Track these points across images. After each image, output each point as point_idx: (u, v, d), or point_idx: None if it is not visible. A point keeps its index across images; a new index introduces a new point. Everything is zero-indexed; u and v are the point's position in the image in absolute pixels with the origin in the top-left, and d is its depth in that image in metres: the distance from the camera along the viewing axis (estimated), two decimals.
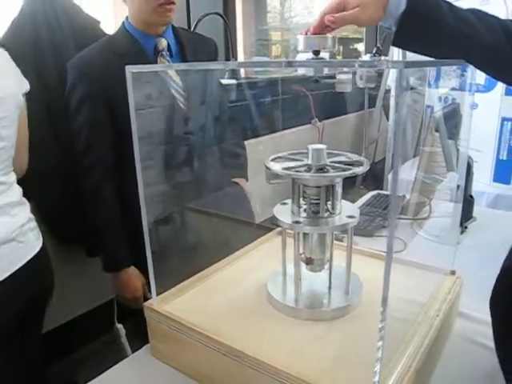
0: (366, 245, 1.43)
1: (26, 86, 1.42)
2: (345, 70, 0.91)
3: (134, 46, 1.59)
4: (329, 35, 0.95)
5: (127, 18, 1.61)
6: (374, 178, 3.17)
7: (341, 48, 4.98)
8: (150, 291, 1.11)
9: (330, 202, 1.04)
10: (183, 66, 1.59)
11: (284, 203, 1.12)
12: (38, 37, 1.69)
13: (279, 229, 1.42)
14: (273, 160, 1.10)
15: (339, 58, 4.75)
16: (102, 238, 1.65)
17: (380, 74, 3.57)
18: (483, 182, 2.57)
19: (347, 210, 1.07)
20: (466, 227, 1.80)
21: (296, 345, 0.94)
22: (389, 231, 0.71)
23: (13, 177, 1.34)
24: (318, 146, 1.05)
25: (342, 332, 0.98)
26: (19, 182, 1.38)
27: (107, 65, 1.50)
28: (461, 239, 1.72)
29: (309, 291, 1.12)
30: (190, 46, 1.70)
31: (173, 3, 1.53)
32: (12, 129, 1.32)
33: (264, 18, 4.65)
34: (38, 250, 1.37)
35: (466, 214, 1.78)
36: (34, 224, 1.39)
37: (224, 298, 1.13)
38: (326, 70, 0.96)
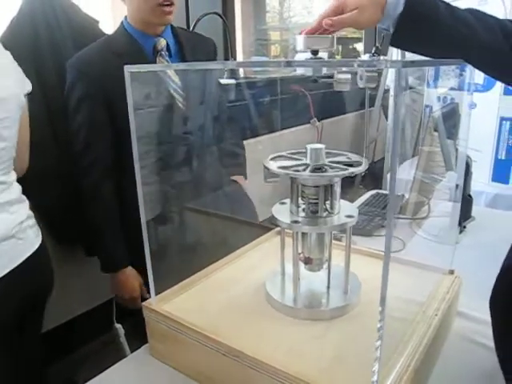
0: (364, 244, 1.43)
1: (28, 86, 1.42)
2: (344, 69, 0.91)
3: (132, 45, 1.59)
4: (328, 35, 0.95)
5: (126, 17, 1.61)
6: (373, 177, 3.17)
7: (340, 48, 4.98)
8: (148, 291, 1.11)
9: (328, 202, 1.04)
10: (182, 65, 1.59)
11: (283, 203, 1.12)
12: (36, 36, 1.69)
13: (278, 228, 1.42)
14: (271, 159, 1.10)
15: (338, 57, 4.76)
16: (100, 238, 1.65)
17: (380, 74, 3.57)
18: (482, 182, 2.57)
19: (346, 210, 1.07)
20: (464, 227, 1.80)
21: (295, 344, 0.94)
22: (387, 230, 0.71)
23: (13, 176, 1.35)
24: (317, 145, 1.05)
25: (340, 331, 0.99)
26: (18, 180, 1.38)
27: (106, 64, 1.50)
28: (459, 239, 1.72)
29: (307, 291, 1.12)
30: (189, 46, 1.70)
31: (172, 4, 1.53)
32: (13, 129, 1.32)
33: (263, 17, 4.65)
34: (37, 246, 1.37)
35: (465, 214, 1.78)
36: (33, 221, 1.39)
37: (223, 297, 1.13)
38: (324, 70, 0.96)
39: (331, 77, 0.89)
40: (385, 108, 3.82)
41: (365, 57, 3.66)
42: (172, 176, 1.63)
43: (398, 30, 0.90)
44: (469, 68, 1.05)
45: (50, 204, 1.71)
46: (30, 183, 1.43)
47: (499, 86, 2.44)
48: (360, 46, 4.92)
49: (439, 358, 1.07)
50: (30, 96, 1.43)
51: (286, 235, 1.15)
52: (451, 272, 1.20)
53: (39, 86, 1.63)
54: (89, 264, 1.91)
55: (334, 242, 1.16)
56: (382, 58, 3.08)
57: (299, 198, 1.06)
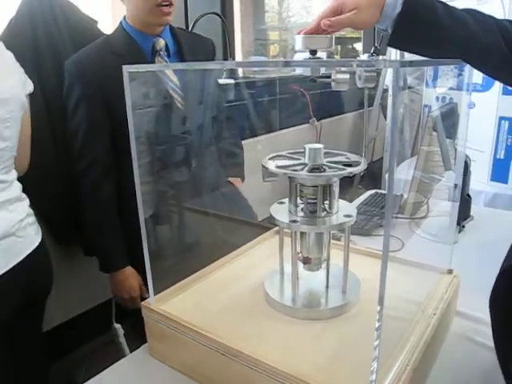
0: (363, 244, 1.43)
1: (29, 86, 1.43)
2: (342, 69, 0.91)
3: (131, 45, 1.59)
4: (326, 35, 0.95)
5: (125, 17, 1.61)
6: (372, 177, 3.18)
7: (339, 47, 4.98)
8: (147, 291, 1.11)
9: (327, 202, 1.04)
10: (181, 65, 1.59)
11: (281, 202, 1.13)
12: (35, 37, 1.69)
13: (276, 228, 1.42)
14: (270, 159, 1.10)
15: (337, 57, 4.76)
16: (98, 238, 1.65)
17: (379, 74, 3.57)
18: (481, 181, 2.57)
19: (344, 209, 1.07)
20: (463, 226, 1.80)
21: (293, 344, 0.94)
22: (385, 230, 0.71)
23: (13, 175, 1.36)
24: (315, 145, 1.05)
25: (339, 331, 0.99)
26: (18, 180, 1.38)
27: (104, 64, 1.50)
28: (458, 238, 1.72)
29: (306, 290, 1.12)
30: (188, 46, 1.70)
31: (171, 4, 1.53)
32: (15, 129, 1.33)
33: (262, 17, 4.65)
34: (37, 244, 1.38)
35: (464, 213, 1.78)
36: (33, 219, 1.40)
37: (221, 297, 1.13)
38: (323, 70, 0.96)
39: (329, 77, 0.89)
40: (384, 108, 3.82)
41: (364, 56, 3.67)
42: (170, 176, 1.64)
43: (396, 30, 0.90)
44: (468, 68, 1.05)
45: (48, 204, 1.71)
46: (28, 183, 1.43)
47: (498, 85, 2.44)
48: (359, 46, 4.93)
49: (438, 358, 1.07)
50: (29, 96, 1.43)
51: (284, 235, 1.15)
52: (450, 271, 1.20)
53: (38, 86, 1.63)
54: (87, 264, 1.91)
55: (332, 241, 1.16)
56: (380, 57, 3.08)
57: (298, 198, 1.06)
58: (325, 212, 1.05)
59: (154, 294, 1.09)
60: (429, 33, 0.90)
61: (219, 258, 1.31)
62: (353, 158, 1.10)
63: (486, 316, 0.91)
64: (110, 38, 1.62)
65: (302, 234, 1.08)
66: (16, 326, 1.34)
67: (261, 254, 1.38)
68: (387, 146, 3.39)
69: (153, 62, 1.61)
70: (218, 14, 2.37)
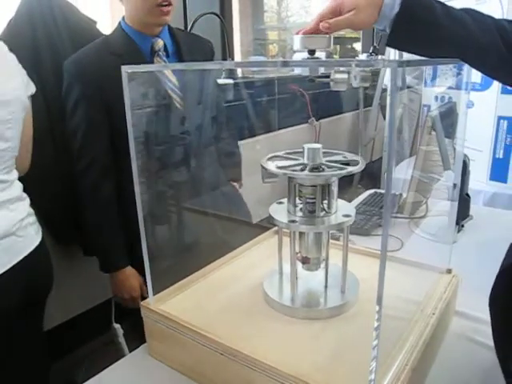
0: (362, 244, 1.43)
1: (31, 88, 1.44)
2: (341, 69, 0.91)
3: (130, 46, 1.59)
4: (325, 35, 0.95)
5: (124, 18, 1.61)
6: (372, 176, 3.18)
7: (338, 47, 4.99)
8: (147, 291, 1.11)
9: (325, 201, 1.04)
10: (180, 65, 1.59)
11: (280, 202, 1.13)
12: (34, 37, 1.69)
13: (275, 228, 1.42)
14: (269, 159, 1.10)
15: (336, 57, 4.76)
16: (98, 238, 1.65)
17: (375, 73, 3.58)
18: (480, 181, 2.58)
19: (343, 209, 1.07)
20: (462, 226, 1.80)
21: (292, 343, 0.95)
22: (383, 229, 0.71)
23: (14, 175, 1.37)
24: (314, 145, 1.05)
25: (338, 331, 0.99)
26: (18, 180, 1.39)
27: (103, 65, 1.50)
28: (457, 238, 1.72)
29: (305, 290, 1.12)
30: (186, 47, 1.70)
31: (170, 4, 1.53)
32: (16, 130, 1.34)
33: (261, 17, 4.65)
34: (37, 243, 1.38)
35: (463, 213, 1.78)
36: (33, 218, 1.41)
37: (220, 297, 1.13)
38: (322, 70, 0.96)
39: (328, 76, 0.89)
40: (383, 107, 3.82)
41: (362, 56, 3.67)
42: (169, 176, 1.64)
43: (394, 30, 0.90)
44: (466, 67, 1.05)
45: (48, 204, 1.71)
46: (28, 183, 1.43)
47: (497, 85, 2.43)
48: (358, 46, 4.92)
49: (437, 357, 1.07)
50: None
51: (283, 235, 1.16)
52: (449, 271, 1.20)
53: (37, 86, 1.62)
54: (87, 264, 1.91)
55: (331, 241, 1.16)
56: (379, 57, 3.08)
57: (296, 198, 1.06)
58: (323, 212, 1.05)
59: (154, 294, 1.09)
60: (427, 33, 0.90)
61: (218, 258, 1.31)
62: (351, 157, 1.10)
63: (485, 315, 0.92)
64: (108, 39, 1.62)
65: (301, 233, 1.08)
66: (16, 325, 1.34)
67: (260, 253, 1.38)
68: (386, 146, 3.39)
69: (151, 62, 1.61)
70: (216, 14, 2.37)
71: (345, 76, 0.88)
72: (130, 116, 0.97)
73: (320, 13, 0.96)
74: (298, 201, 1.06)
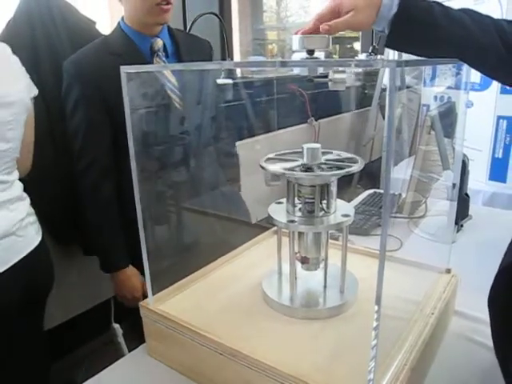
0: (362, 243, 1.43)
1: (34, 90, 1.45)
2: (340, 69, 0.91)
3: (129, 46, 1.59)
4: (324, 34, 0.95)
5: (123, 18, 1.60)
6: (371, 176, 3.18)
7: (337, 47, 4.99)
8: None
9: (324, 201, 1.04)
10: (179, 66, 1.59)
11: (279, 202, 1.13)
12: (33, 38, 1.69)
13: (275, 228, 1.42)
14: (268, 159, 1.10)
15: (336, 56, 4.76)
16: (99, 239, 1.65)
17: (374, 73, 3.58)
18: (479, 181, 2.58)
19: (342, 209, 1.07)
20: (461, 225, 1.80)
21: (291, 343, 0.95)
22: (382, 229, 0.71)
23: (15, 175, 1.38)
24: (313, 145, 1.05)
25: (337, 330, 0.99)
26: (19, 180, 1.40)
27: (103, 65, 1.50)
28: (456, 237, 1.72)
29: (304, 290, 1.12)
30: (185, 47, 1.70)
31: (169, 3, 1.53)
32: (18, 131, 1.35)
33: (260, 17, 4.65)
34: (37, 243, 1.39)
35: (462, 213, 1.78)
36: (33, 218, 1.41)
37: (220, 296, 1.13)
38: (321, 70, 0.96)
39: (326, 76, 0.89)
40: (382, 107, 3.82)
41: (362, 56, 3.67)
42: (169, 176, 1.64)
43: (392, 31, 0.90)
44: (465, 67, 1.05)
45: (48, 204, 1.71)
46: (28, 183, 1.44)
47: (496, 84, 2.43)
48: (357, 46, 4.92)
49: (436, 357, 1.07)
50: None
51: (282, 235, 1.16)
52: (448, 271, 1.21)
53: (37, 87, 1.63)
54: (87, 264, 1.91)
55: (330, 241, 1.16)
56: (378, 57, 3.08)
57: (295, 198, 1.06)
58: (322, 212, 1.05)
59: (153, 294, 1.10)
60: (425, 33, 0.90)
61: (217, 257, 1.31)
62: (349, 157, 1.10)
63: (484, 315, 0.92)
64: (108, 39, 1.62)
65: (300, 233, 1.08)
66: (17, 324, 1.35)
67: (259, 253, 1.38)
68: (385, 146, 3.40)
69: (151, 62, 1.61)
70: (215, 14, 2.37)
71: (343, 76, 0.88)
72: (128, 116, 0.97)
73: (318, 13, 0.96)
74: (297, 201, 1.07)
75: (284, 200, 1.10)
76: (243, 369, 0.88)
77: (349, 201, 1.11)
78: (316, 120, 3.38)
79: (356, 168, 1.01)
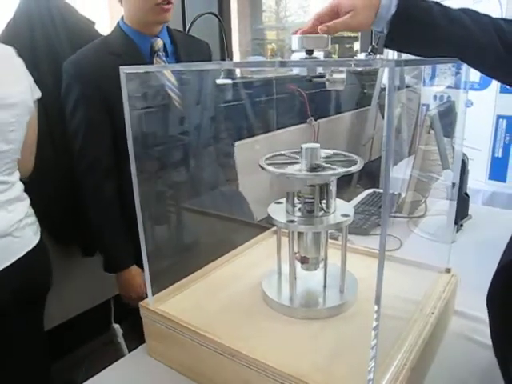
0: (361, 243, 1.43)
1: (37, 93, 1.47)
2: (340, 69, 0.91)
3: (129, 45, 1.59)
4: (323, 34, 0.95)
5: (122, 17, 1.60)
6: (371, 176, 3.18)
7: (336, 46, 4.99)
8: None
9: (324, 201, 1.04)
10: (179, 66, 1.59)
11: (279, 202, 1.13)
12: (33, 38, 1.69)
13: (274, 228, 1.42)
14: (267, 159, 1.10)
15: (335, 56, 4.76)
16: (102, 239, 1.66)
17: (374, 73, 3.58)
18: (479, 180, 2.58)
19: (342, 209, 1.07)
20: (461, 225, 1.80)
21: (291, 343, 0.95)
22: (381, 229, 0.71)
23: (16, 176, 1.38)
24: (312, 145, 1.05)
25: (336, 330, 0.99)
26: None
27: (102, 65, 1.50)
28: (456, 237, 1.72)
29: (304, 290, 1.12)
30: (184, 48, 1.70)
31: (170, 3, 1.53)
32: (20, 133, 1.36)
33: (259, 17, 4.65)
34: (35, 244, 1.39)
35: (462, 212, 1.78)
36: (32, 219, 1.41)
37: (220, 296, 1.13)
38: (320, 69, 0.96)
39: (324, 76, 0.89)
40: (381, 107, 3.82)
41: (361, 56, 3.67)
42: (168, 176, 1.63)
43: (391, 31, 0.90)
44: (465, 66, 1.05)
45: (47, 204, 1.71)
46: (28, 183, 1.44)
47: (496, 84, 2.43)
48: (357, 45, 4.92)
49: (436, 357, 1.07)
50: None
51: (282, 235, 1.16)
52: (448, 270, 1.21)
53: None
54: (87, 264, 1.91)
55: (330, 241, 1.16)
56: (378, 56, 3.08)
57: (295, 198, 1.06)
58: (322, 211, 1.05)
59: (153, 294, 1.10)
60: (424, 33, 0.90)
61: (217, 257, 1.31)
62: (349, 156, 1.10)
63: (484, 315, 0.91)
64: (107, 39, 1.62)
65: (300, 233, 1.08)
66: (16, 324, 1.35)
67: (259, 253, 1.38)
68: (385, 145, 3.39)
69: (151, 61, 1.61)
70: (215, 14, 2.37)
71: (342, 76, 0.88)
72: (128, 116, 0.97)
73: (317, 13, 0.96)
74: (296, 201, 1.06)
75: (284, 200, 1.10)
76: (243, 369, 0.88)
77: (348, 200, 1.11)
78: (315, 120, 3.38)
79: (355, 168, 1.01)
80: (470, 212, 1.87)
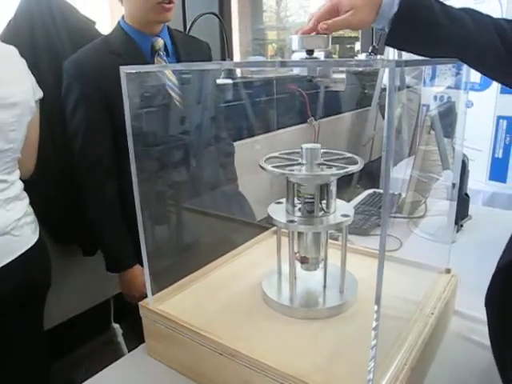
0: (361, 243, 1.43)
1: (39, 93, 1.47)
2: (340, 69, 0.91)
3: (130, 45, 1.59)
4: (323, 34, 0.95)
5: (123, 17, 1.60)
6: (371, 176, 3.18)
7: (337, 47, 4.98)
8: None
9: (324, 201, 1.04)
10: (179, 66, 1.59)
11: (279, 202, 1.13)
12: (33, 38, 1.69)
13: (274, 228, 1.42)
14: (267, 159, 1.10)
15: (335, 56, 4.76)
16: (103, 239, 1.65)
17: (374, 73, 3.58)
18: (479, 181, 2.58)
19: (342, 209, 1.07)
20: (461, 225, 1.80)
21: (291, 343, 0.95)
22: (381, 229, 0.71)
23: (16, 175, 1.38)
24: (312, 145, 1.05)
25: (336, 330, 0.99)
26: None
27: (103, 64, 1.50)
28: (456, 237, 1.72)
29: (304, 290, 1.12)
30: (184, 48, 1.70)
31: (172, 2, 1.53)
32: (20, 132, 1.36)
33: (260, 17, 4.64)
34: (33, 242, 1.39)
35: (462, 213, 1.78)
36: (31, 218, 1.42)
37: (219, 296, 1.13)
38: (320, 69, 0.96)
39: (324, 76, 0.89)
40: (382, 107, 3.82)
41: (362, 56, 3.67)
42: (169, 176, 1.63)
43: (393, 30, 0.90)
44: (465, 67, 1.05)
45: (47, 205, 1.72)
46: (27, 183, 1.44)
47: (496, 84, 2.43)
48: (357, 46, 4.92)
49: (436, 357, 1.07)
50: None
51: (282, 235, 1.16)
52: (448, 271, 1.21)
53: None
54: (87, 264, 1.91)
55: (330, 241, 1.16)
56: (378, 57, 3.08)
57: (295, 198, 1.06)
58: (322, 212, 1.05)
59: (153, 294, 1.09)
60: (426, 32, 0.90)
61: (217, 257, 1.31)
62: (350, 157, 1.10)
63: (483, 315, 0.92)
64: (108, 38, 1.62)
65: (300, 233, 1.08)
66: (16, 324, 1.35)
67: (259, 253, 1.38)
68: (385, 146, 3.39)
69: (152, 61, 1.61)
70: (215, 14, 2.37)
71: (343, 76, 0.88)
72: (128, 116, 0.97)
73: (317, 13, 0.96)
74: (296, 201, 1.06)
75: (284, 200, 1.10)
76: (243, 369, 0.88)
77: (348, 201, 1.11)
78: (316, 120, 3.38)
79: (356, 168, 1.01)
80: (470, 212, 1.87)
